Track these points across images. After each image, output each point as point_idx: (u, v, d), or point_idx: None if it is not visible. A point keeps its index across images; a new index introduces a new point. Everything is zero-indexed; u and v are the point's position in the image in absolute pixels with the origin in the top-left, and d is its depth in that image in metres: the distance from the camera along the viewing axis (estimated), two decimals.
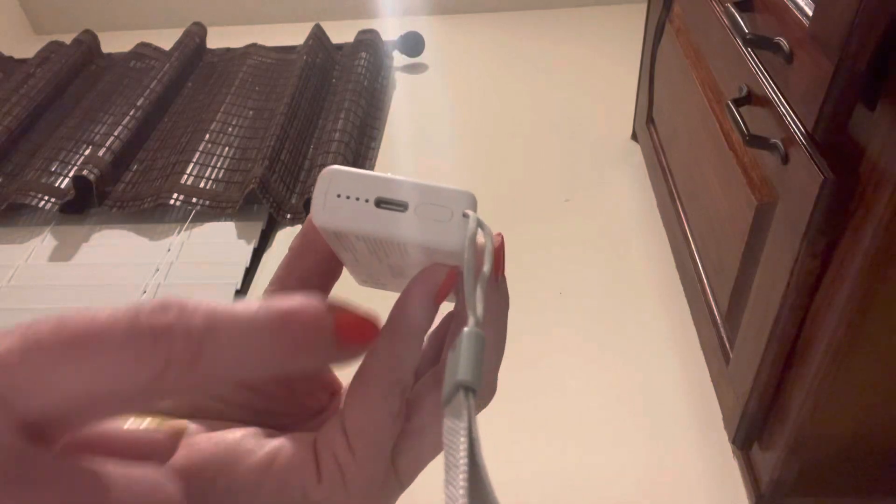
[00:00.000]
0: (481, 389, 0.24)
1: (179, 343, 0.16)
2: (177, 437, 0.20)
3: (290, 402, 0.25)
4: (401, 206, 0.22)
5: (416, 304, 0.22)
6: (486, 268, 0.22)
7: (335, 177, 0.23)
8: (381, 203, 0.22)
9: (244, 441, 0.21)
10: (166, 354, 0.16)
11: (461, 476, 0.16)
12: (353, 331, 0.20)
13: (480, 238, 0.22)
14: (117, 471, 0.17)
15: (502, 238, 0.24)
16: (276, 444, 0.21)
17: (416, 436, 0.23)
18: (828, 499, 0.81)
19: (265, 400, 0.25)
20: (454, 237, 0.22)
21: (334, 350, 0.20)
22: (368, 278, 0.28)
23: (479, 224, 0.22)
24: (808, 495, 0.80)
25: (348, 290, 0.30)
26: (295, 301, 0.18)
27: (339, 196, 0.22)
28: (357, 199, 0.22)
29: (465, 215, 0.22)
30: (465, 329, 0.20)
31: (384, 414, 0.21)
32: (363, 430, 0.21)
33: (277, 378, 0.25)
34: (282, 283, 0.25)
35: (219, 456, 0.21)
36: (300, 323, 0.18)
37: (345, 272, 0.27)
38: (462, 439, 0.17)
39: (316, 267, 0.25)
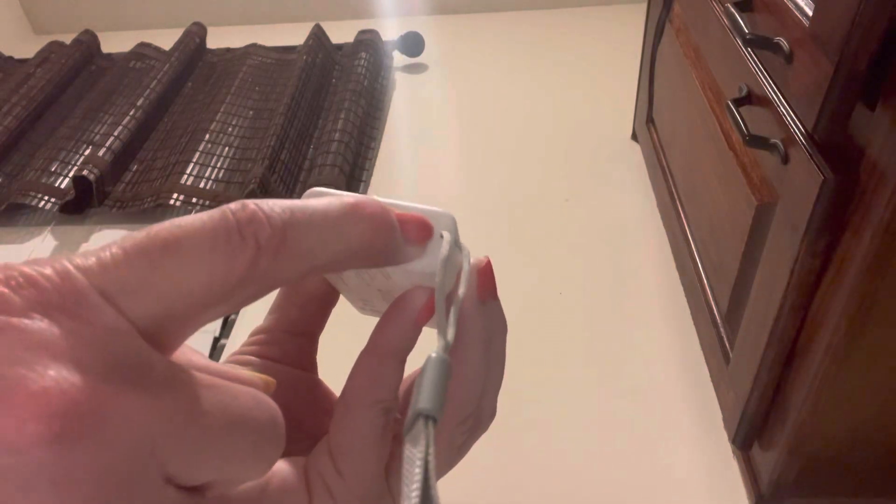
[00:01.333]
0: (480, 414, 0.24)
1: (265, 230, 0.17)
2: (270, 386, 0.20)
3: (292, 429, 0.25)
4: None
5: (395, 326, 0.22)
6: (462, 290, 0.22)
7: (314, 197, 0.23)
8: None
9: None
10: (255, 242, 0.17)
11: None
12: (412, 224, 0.21)
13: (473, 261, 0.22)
14: (234, 386, 0.17)
15: (488, 260, 0.24)
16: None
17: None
18: (828, 499, 0.81)
19: None
20: (430, 258, 0.21)
21: (399, 241, 0.21)
22: (365, 305, 0.28)
23: (456, 245, 0.22)
24: (808, 495, 0.80)
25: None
26: (358, 196, 0.20)
27: None
28: None
29: (441, 236, 0.22)
30: (431, 355, 0.20)
31: (367, 435, 0.21)
32: (348, 451, 0.21)
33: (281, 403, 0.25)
34: (282, 311, 0.26)
35: None
36: (369, 211, 0.19)
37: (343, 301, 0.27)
38: (417, 470, 0.17)
39: (314, 294, 0.26)
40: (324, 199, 0.19)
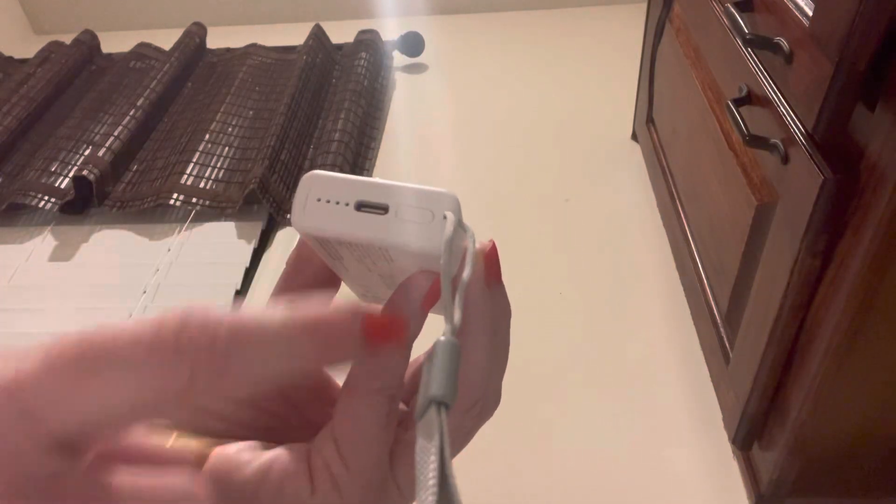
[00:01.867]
0: (486, 400, 0.24)
1: (204, 356, 0.16)
2: (202, 459, 0.20)
3: (294, 418, 0.25)
4: (381, 209, 0.22)
5: (399, 312, 0.22)
6: (467, 273, 0.21)
7: (315, 181, 0.22)
8: (361, 206, 0.22)
9: (241, 453, 0.22)
10: (190, 368, 0.16)
11: (430, 498, 0.16)
12: (380, 331, 0.21)
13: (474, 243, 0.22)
14: (147, 480, 0.17)
15: (494, 244, 0.23)
16: (272, 454, 0.22)
17: (412, 447, 0.22)
18: (828, 499, 0.81)
19: (268, 417, 0.24)
20: (434, 240, 0.21)
21: (363, 351, 0.20)
22: (367, 291, 0.27)
23: (460, 226, 0.21)
24: (808, 495, 0.80)
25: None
26: (322, 308, 0.19)
27: (318, 200, 0.22)
28: (337, 202, 0.22)
29: (445, 216, 0.21)
30: (440, 339, 0.19)
31: (371, 423, 0.21)
32: (352, 439, 0.21)
33: (280, 395, 0.25)
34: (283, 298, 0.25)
35: (216, 467, 0.21)
36: (329, 329, 0.19)
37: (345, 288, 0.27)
38: (433, 458, 0.17)
39: (314, 281, 0.25)
40: (279, 314, 0.18)
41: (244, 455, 0.21)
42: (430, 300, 0.22)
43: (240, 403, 0.24)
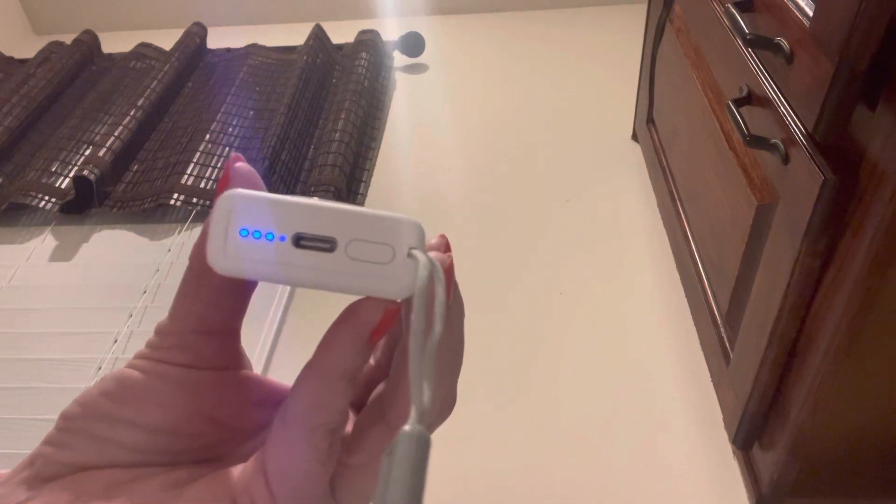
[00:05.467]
0: (440, 405, 0.21)
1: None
2: None
3: (220, 432, 0.22)
4: (326, 244, 0.17)
5: (343, 345, 0.19)
6: (438, 328, 0.17)
7: (238, 205, 0.17)
8: (301, 240, 0.17)
9: (153, 495, 0.20)
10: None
11: None
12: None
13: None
14: None
15: (450, 259, 0.20)
16: (191, 493, 0.20)
17: (358, 473, 0.21)
18: (828, 499, 0.81)
19: (187, 439, 0.21)
20: (397, 284, 0.17)
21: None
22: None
23: (432, 265, 0.17)
24: (809, 495, 0.80)
25: None
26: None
27: (244, 233, 0.17)
28: (269, 236, 0.17)
29: (412, 255, 0.17)
30: (404, 429, 0.15)
31: (307, 458, 0.19)
32: (284, 475, 0.19)
33: (196, 414, 0.22)
34: (185, 307, 0.21)
35: None
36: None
37: None
38: None
39: (224, 281, 0.20)
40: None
41: (157, 498, 0.19)
42: (380, 332, 0.19)
43: (153, 431, 0.20)
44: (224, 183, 0.20)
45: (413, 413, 0.16)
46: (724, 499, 0.85)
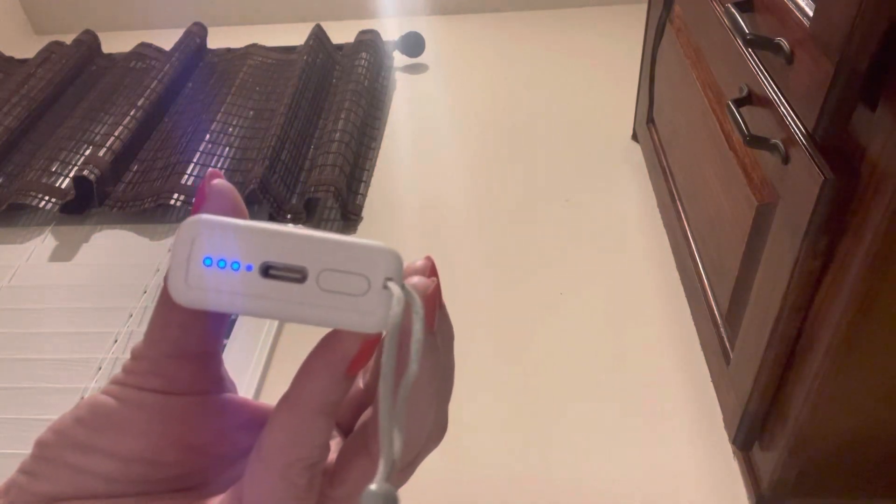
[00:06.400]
0: (430, 431, 0.21)
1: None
2: None
3: (200, 458, 0.22)
4: (296, 274, 0.16)
5: (320, 379, 0.18)
6: (414, 367, 0.16)
7: (201, 232, 0.16)
8: (269, 270, 0.16)
9: None
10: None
11: None
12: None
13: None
14: None
15: (436, 284, 0.19)
16: None
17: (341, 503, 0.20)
18: (828, 499, 0.81)
19: (164, 467, 0.21)
20: (371, 318, 0.16)
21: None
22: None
23: (408, 298, 0.16)
24: (809, 495, 0.80)
25: None
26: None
27: (208, 262, 0.16)
28: (234, 265, 0.16)
29: (387, 287, 0.16)
30: (370, 488, 0.14)
31: (284, 496, 0.18)
32: None
33: (173, 442, 0.21)
34: (160, 331, 0.20)
35: None
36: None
37: None
38: None
39: (191, 326, 0.20)
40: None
41: None
42: (358, 364, 0.18)
43: (128, 460, 0.20)
44: (200, 202, 0.19)
45: (381, 467, 0.15)
46: (724, 499, 0.85)
